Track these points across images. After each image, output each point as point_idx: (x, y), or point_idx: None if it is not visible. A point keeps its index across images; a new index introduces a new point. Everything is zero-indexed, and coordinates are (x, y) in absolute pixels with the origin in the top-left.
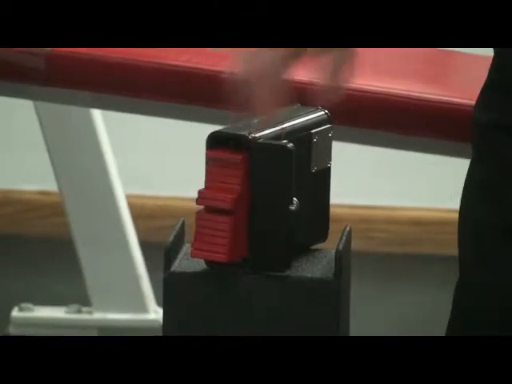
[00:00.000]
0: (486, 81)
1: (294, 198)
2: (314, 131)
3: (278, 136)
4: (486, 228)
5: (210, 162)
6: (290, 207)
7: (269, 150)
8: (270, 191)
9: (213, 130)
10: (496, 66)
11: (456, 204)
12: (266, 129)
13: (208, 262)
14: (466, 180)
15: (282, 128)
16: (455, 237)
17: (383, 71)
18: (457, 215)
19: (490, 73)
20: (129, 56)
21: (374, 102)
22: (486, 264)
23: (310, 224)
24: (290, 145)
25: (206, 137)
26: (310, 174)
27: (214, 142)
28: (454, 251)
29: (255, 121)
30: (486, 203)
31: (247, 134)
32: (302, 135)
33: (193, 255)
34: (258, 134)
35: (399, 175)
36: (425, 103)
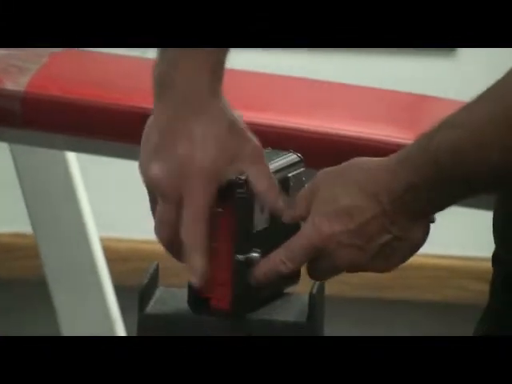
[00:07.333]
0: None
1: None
2: (290, 175)
3: None
4: None
5: None
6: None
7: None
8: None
9: None
10: None
11: (431, 249)
12: None
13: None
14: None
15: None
16: (428, 281)
17: (358, 116)
18: (427, 260)
19: None
20: (104, 99)
21: (349, 146)
22: None
23: None
24: None
25: None
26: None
27: None
28: (426, 296)
29: None
30: None
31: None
32: (279, 179)
33: None
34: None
35: None
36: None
